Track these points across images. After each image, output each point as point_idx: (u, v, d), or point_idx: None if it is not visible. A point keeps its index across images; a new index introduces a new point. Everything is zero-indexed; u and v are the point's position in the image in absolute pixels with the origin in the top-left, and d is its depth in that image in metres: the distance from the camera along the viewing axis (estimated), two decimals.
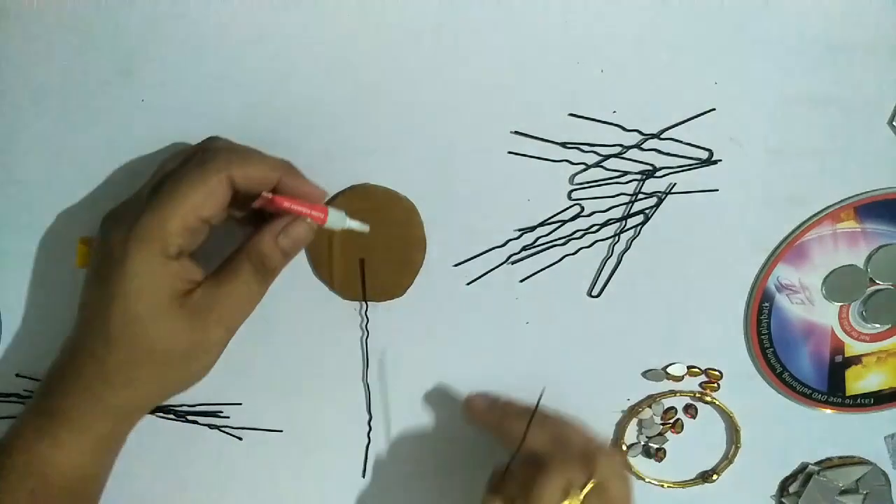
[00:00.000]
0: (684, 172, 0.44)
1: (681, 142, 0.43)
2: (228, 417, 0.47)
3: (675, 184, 0.44)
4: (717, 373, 0.49)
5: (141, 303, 0.34)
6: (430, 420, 0.48)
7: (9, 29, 0.39)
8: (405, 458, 0.49)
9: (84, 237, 0.42)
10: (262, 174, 0.36)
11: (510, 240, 0.45)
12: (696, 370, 0.48)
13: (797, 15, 0.41)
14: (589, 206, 0.44)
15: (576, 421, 0.44)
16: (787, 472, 0.51)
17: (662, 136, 0.43)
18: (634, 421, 0.49)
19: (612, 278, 0.46)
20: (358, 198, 0.42)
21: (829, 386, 0.49)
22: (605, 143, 0.43)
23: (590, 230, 0.45)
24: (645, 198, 0.44)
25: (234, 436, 0.47)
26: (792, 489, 0.51)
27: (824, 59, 0.42)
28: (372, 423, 0.47)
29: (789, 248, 0.46)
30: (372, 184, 0.43)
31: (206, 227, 0.36)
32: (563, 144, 0.43)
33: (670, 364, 0.48)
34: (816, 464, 0.51)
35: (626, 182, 0.44)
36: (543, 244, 0.45)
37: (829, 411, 0.50)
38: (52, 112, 0.40)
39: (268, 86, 0.41)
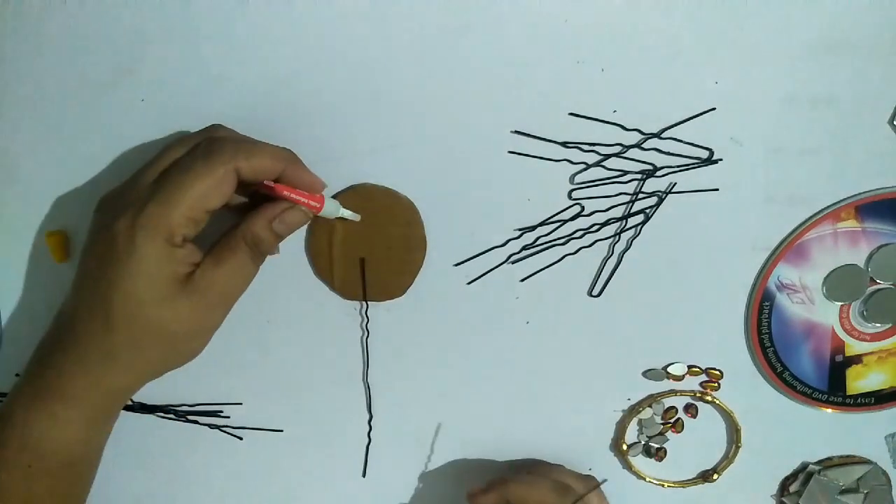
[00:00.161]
0: (685, 172, 0.44)
1: (681, 141, 0.43)
2: (229, 417, 0.47)
3: (675, 183, 0.44)
4: (717, 372, 0.49)
5: (146, 290, 0.35)
6: (431, 420, 0.48)
7: (9, 29, 0.39)
8: (405, 459, 0.49)
9: (51, 231, 0.42)
10: (268, 165, 0.36)
11: (510, 239, 0.45)
12: (697, 370, 0.48)
13: (797, 14, 0.41)
14: (589, 206, 0.44)
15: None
16: (788, 472, 0.51)
17: (663, 136, 0.43)
18: (635, 420, 0.49)
19: (613, 278, 0.46)
20: (358, 197, 0.42)
21: (830, 385, 0.49)
22: (606, 143, 0.43)
23: (590, 230, 0.45)
24: (645, 197, 0.44)
25: (234, 435, 0.47)
26: (792, 488, 0.51)
27: (825, 59, 0.42)
28: (372, 423, 0.47)
29: (790, 247, 0.46)
30: (372, 183, 0.43)
31: (209, 215, 0.36)
32: (564, 144, 0.43)
33: (671, 363, 0.48)
34: (817, 463, 0.51)
35: (627, 181, 0.44)
36: (544, 244, 0.45)
37: (829, 411, 0.50)
38: (52, 112, 0.40)
39: (267, 86, 0.41)
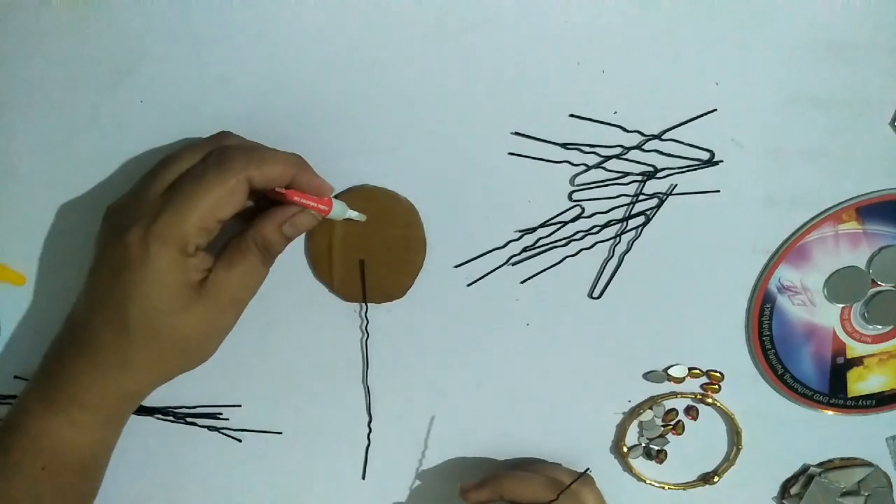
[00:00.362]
0: (685, 173, 0.44)
1: (682, 143, 0.43)
2: (228, 419, 0.47)
3: (676, 185, 0.44)
4: (718, 374, 0.48)
5: (161, 299, 0.35)
6: (431, 421, 0.48)
7: (9, 29, 0.39)
8: (405, 461, 0.49)
9: None
10: (279, 172, 0.37)
11: (511, 241, 0.45)
12: (698, 371, 0.48)
13: (798, 15, 0.41)
14: (590, 208, 0.44)
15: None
16: (789, 474, 0.51)
17: (663, 137, 0.43)
18: (635, 422, 0.49)
19: (613, 280, 0.46)
20: (359, 199, 0.42)
21: (831, 387, 0.49)
22: (606, 144, 0.43)
23: (591, 231, 0.45)
24: (646, 199, 0.44)
25: (233, 437, 0.47)
26: (793, 491, 0.51)
27: (826, 60, 0.42)
28: (372, 425, 0.47)
29: (791, 249, 0.46)
30: (372, 185, 0.43)
31: (221, 224, 0.37)
32: (564, 145, 0.43)
33: (671, 365, 0.48)
34: (818, 465, 0.51)
35: (627, 183, 0.44)
36: (544, 245, 0.45)
37: (830, 413, 0.50)
38: (52, 112, 0.40)
39: (267, 87, 0.41)
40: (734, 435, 0.50)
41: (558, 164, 0.43)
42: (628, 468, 0.50)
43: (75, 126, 0.41)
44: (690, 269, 0.46)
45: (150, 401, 0.44)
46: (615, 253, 0.45)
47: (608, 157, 0.43)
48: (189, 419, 0.46)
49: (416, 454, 0.49)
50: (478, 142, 0.43)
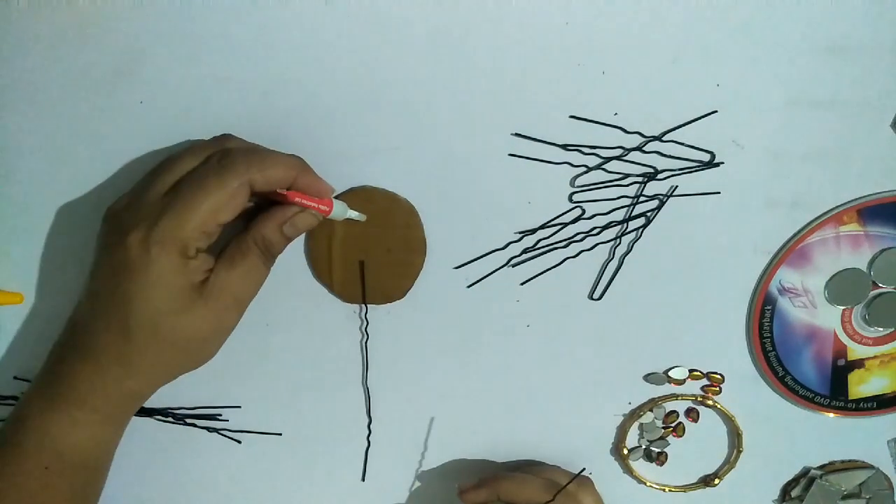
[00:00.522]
0: (686, 175, 0.44)
1: (683, 144, 0.43)
2: (227, 420, 0.47)
3: (676, 186, 0.44)
4: (718, 376, 0.48)
5: (162, 301, 0.36)
6: (430, 423, 0.48)
7: (9, 29, 0.39)
8: (405, 462, 0.49)
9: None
10: (281, 175, 0.37)
11: (511, 242, 0.45)
12: (698, 373, 0.48)
13: (800, 17, 0.41)
14: (590, 209, 0.44)
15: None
16: (790, 477, 0.51)
17: (664, 139, 0.43)
18: (636, 424, 0.49)
19: (614, 281, 0.46)
20: (358, 200, 0.42)
21: (832, 390, 0.49)
22: (607, 146, 0.43)
23: (591, 233, 0.45)
24: (646, 200, 0.44)
25: (232, 439, 0.47)
26: (794, 493, 0.51)
27: (827, 62, 0.42)
28: (372, 427, 0.47)
29: (792, 251, 0.46)
30: (372, 186, 0.43)
31: (222, 227, 0.37)
32: (564, 147, 0.43)
33: (672, 367, 0.48)
34: (819, 468, 0.51)
35: (628, 184, 0.44)
36: (544, 247, 0.45)
37: (831, 415, 0.49)
38: (51, 112, 0.40)
39: (267, 88, 0.41)
40: (735, 437, 0.50)
41: (559, 166, 0.43)
42: (628, 470, 0.50)
43: (75, 127, 0.41)
44: (691, 270, 0.46)
45: (149, 402, 0.44)
46: (616, 254, 0.45)
47: (609, 159, 0.43)
48: (188, 420, 0.46)
49: (416, 456, 0.49)
50: (478, 143, 0.43)
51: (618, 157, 0.43)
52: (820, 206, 0.45)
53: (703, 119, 0.43)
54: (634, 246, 0.45)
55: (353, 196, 0.42)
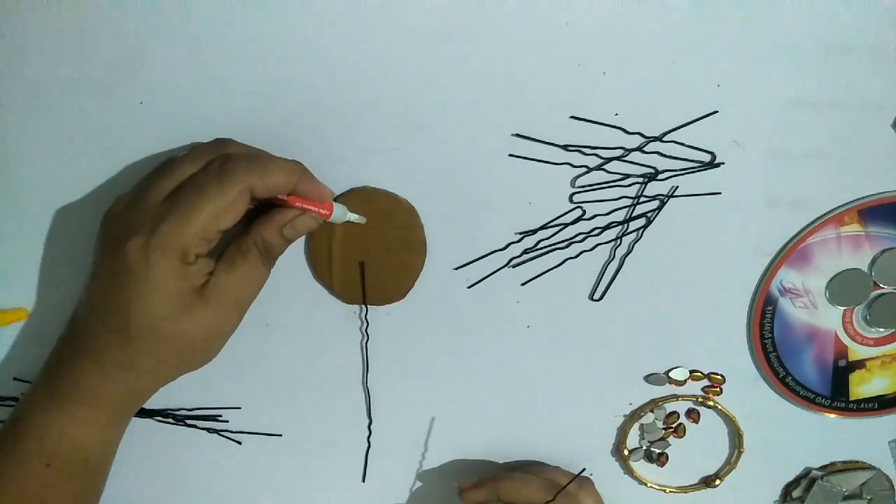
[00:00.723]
0: (687, 175, 0.44)
1: (683, 144, 0.43)
2: (227, 421, 0.47)
3: (677, 187, 0.44)
4: (719, 377, 0.48)
5: (162, 305, 0.36)
6: (431, 424, 0.48)
7: (9, 29, 0.39)
8: (405, 463, 0.49)
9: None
10: (281, 182, 0.37)
11: (511, 243, 0.44)
12: (699, 374, 0.48)
13: (800, 17, 0.41)
14: (590, 210, 0.44)
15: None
16: (791, 477, 0.51)
17: (665, 139, 0.43)
18: (636, 425, 0.49)
19: (614, 282, 0.46)
20: (359, 201, 0.42)
21: (833, 390, 0.49)
22: (607, 146, 0.43)
23: (591, 233, 0.45)
24: (647, 201, 0.44)
25: (233, 440, 0.47)
26: (795, 494, 0.51)
27: (827, 62, 0.42)
28: (372, 428, 0.47)
29: (792, 251, 0.46)
30: (373, 187, 0.43)
31: (221, 234, 0.37)
32: (565, 147, 0.43)
33: (673, 368, 0.48)
34: (820, 469, 0.51)
35: (628, 185, 0.44)
36: (545, 247, 0.45)
37: (832, 416, 0.49)
38: (51, 113, 0.40)
39: (267, 89, 0.41)
40: (736, 438, 0.49)
41: (559, 166, 0.43)
42: (629, 471, 0.50)
43: (75, 127, 0.41)
44: (692, 271, 0.46)
45: (149, 403, 0.44)
46: (616, 255, 0.45)
47: (609, 159, 0.43)
48: (189, 421, 0.46)
49: (416, 456, 0.49)
50: (478, 143, 0.42)
51: (618, 158, 0.43)
52: (821, 207, 0.45)
53: (703, 119, 0.43)
54: (635, 246, 0.45)
55: (354, 197, 0.42)
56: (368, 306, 0.45)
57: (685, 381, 0.48)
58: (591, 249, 0.45)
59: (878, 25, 0.42)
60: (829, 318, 0.48)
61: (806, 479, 0.50)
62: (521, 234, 0.44)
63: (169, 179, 0.36)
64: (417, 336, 0.46)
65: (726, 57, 0.42)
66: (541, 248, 0.45)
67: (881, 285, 0.47)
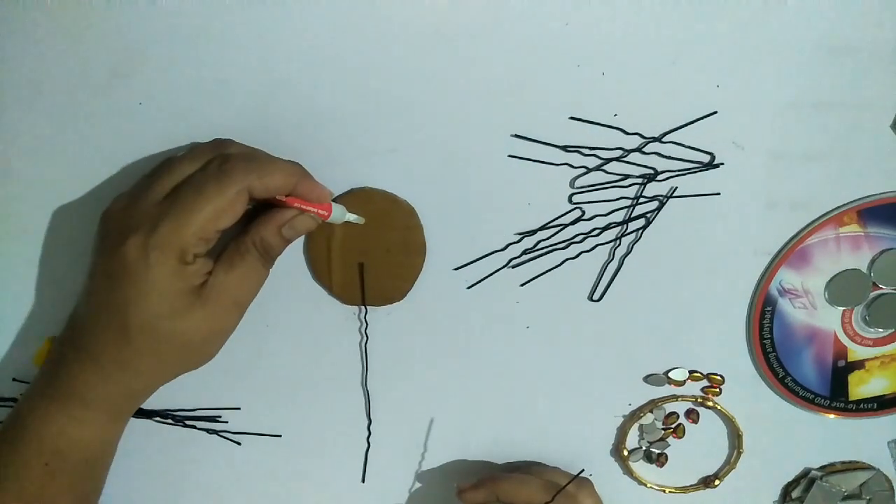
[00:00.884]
0: (686, 176, 0.44)
1: (682, 145, 0.43)
2: (227, 422, 0.47)
3: (676, 187, 0.44)
4: (719, 377, 0.48)
5: (161, 305, 0.36)
6: (430, 424, 0.48)
7: (8, 29, 0.39)
8: (405, 463, 0.49)
9: (51, 337, 0.43)
10: (280, 183, 0.37)
11: (511, 243, 0.44)
12: (698, 375, 0.48)
13: (800, 18, 0.41)
14: (590, 210, 0.44)
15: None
16: (790, 478, 0.51)
17: (664, 140, 0.43)
18: (636, 426, 0.49)
19: (614, 282, 0.46)
20: (358, 201, 0.42)
21: (832, 391, 0.49)
22: (607, 147, 0.43)
23: (591, 234, 0.45)
24: (646, 201, 0.44)
25: (232, 440, 0.47)
26: (795, 494, 0.51)
27: (827, 63, 0.42)
28: (372, 429, 0.47)
29: (792, 252, 0.46)
30: (372, 187, 0.43)
31: (220, 234, 0.37)
32: (564, 148, 0.43)
33: (672, 369, 0.48)
34: (819, 469, 0.51)
35: (628, 186, 0.44)
36: (544, 248, 0.45)
37: (831, 416, 0.49)
38: (50, 114, 0.40)
39: (266, 89, 0.41)
40: (735, 438, 0.49)
41: (558, 167, 0.43)
42: (629, 471, 0.50)
43: (74, 127, 0.41)
44: (691, 271, 0.46)
45: (149, 403, 0.44)
46: (615, 255, 0.45)
47: (608, 160, 0.43)
48: (188, 422, 0.46)
49: (416, 457, 0.49)
50: (478, 144, 0.42)
51: (617, 159, 0.43)
52: (820, 207, 0.45)
53: (702, 120, 0.43)
54: (634, 247, 0.45)
55: (353, 197, 0.42)
56: (368, 307, 0.45)
57: (684, 382, 0.48)
58: (590, 250, 0.45)
59: (877, 26, 0.42)
60: (828, 319, 0.48)
61: (805, 480, 0.51)
62: (520, 234, 0.44)
63: (168, 179, 0.36)
64: (417, 336, 0.46)
65: (726, 57, 0.42)
66: (540, 249, 0.45)
67: (880, 286, 0.47)
